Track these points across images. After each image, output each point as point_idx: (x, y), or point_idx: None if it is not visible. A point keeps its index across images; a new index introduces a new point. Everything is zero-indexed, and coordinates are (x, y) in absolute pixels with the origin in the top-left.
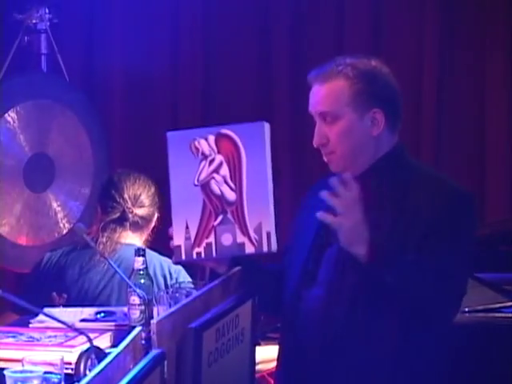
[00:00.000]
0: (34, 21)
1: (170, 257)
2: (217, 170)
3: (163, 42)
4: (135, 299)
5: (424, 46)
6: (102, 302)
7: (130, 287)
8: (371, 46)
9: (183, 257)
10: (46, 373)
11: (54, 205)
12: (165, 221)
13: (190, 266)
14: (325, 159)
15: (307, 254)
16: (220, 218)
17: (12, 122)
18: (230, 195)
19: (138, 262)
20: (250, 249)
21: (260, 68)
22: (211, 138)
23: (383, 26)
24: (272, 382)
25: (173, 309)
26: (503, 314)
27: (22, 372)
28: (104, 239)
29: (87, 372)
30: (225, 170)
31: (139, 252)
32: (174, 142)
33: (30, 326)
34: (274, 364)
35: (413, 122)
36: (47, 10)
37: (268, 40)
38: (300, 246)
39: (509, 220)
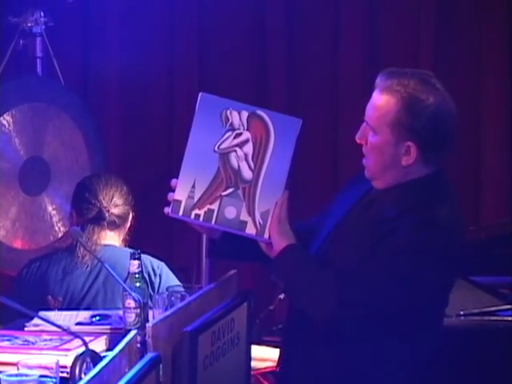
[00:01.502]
0: (29, 24)
1: (154, 256)
2: (240, 146)
3: (158, 45)
4: (131, 302)
5: (420, 48)
6: (88, 303)
7: (126, 290)
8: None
9: (180, 213)
10: (41, 376)
11: (50, 208)
12: (145, 222)
13: (184, 269)
14: None
15: (323, 238)
16: (230, 190)
17: (7, 126)
18: (247, 173)
19: (134, 266)
20: (251, 229)
21: (256, 69)
22: (244, 114)
23: (379, 18)
24: (265, 383)
25: (168, 312)
26: (499, 317)
27: (17, 375)
28: (84, 241)
29: (82, 375)
30: (248, 148)
31: (135, 255)
32: (205, 103)
33: (26, 329)
34: (266, 364)
35: None
36: (42, 14)
37: (264, 40)
38: (323, 225)
39: (504, 223)
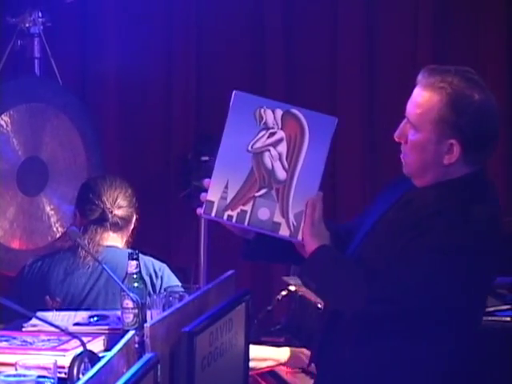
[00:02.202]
0: (27, 24)
1: (153, 256)
2: (274, 145)
3: (157, 45)
4: (129, 303)
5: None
6: (89, 304)
7: (124, 291)
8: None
9: (213, 213)
10: (39, 377)
11: (48, 208)
12: (143, 222)
13: (182, 269)
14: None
15: (361, 238)
16: (263, 191)
17: (5, 126)
18: (281, 174)
19: (132, 266)
20: (284, 231)
21: (254, 68)
22: (279, 112)
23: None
24: (263, 383)
25: (166, 313)
26: (497, 318)
27: (15, 376)
28: (86, 241)
29: (80, 376)
30: (283, 148)
31: (132, 256)
32: (239, 102)
33: (24, 329)
34: (266, 363)
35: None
36: (40, 14)
37: (262, 39)
38: (362, 225)
39: (504, 222)
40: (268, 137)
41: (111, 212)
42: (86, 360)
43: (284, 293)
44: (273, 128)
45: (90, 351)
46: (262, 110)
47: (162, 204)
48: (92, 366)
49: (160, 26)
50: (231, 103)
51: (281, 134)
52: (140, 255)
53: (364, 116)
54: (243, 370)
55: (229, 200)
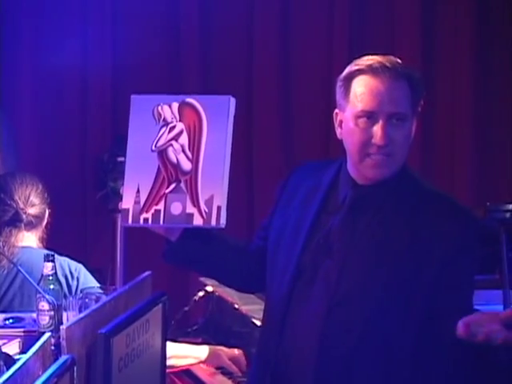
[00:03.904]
0: None
1: (69, 256)
2: (176, 138)
3: (73, 43)
4: (44, 305)
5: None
6: (5, 307)
7: (39, 293)
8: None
9: (130, 221)
10: None
11: None
12: (59, 223)
13: (98, 271)
14: (371, 161)
15: (301, 251)
16: (172, 186)
17: None
18: (186, 164)
19: (47, 268)
20: (198, 221)
21: (170, 70)
22: (175, 105)
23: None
24: (179, 383)
25: (82, 314)
26: None
27: None
28: (0, 244)
29: None
30: (184, 139)
31: (48, 257)
32: (138, 105)
33: None
34: (188, 361)
35: None
36: None
37: (177, 39)
38: (290, 236)
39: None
40: (169, 132)
41: (25, 212)
42: (1, 363)
43: (201, 293)
44: (172, 122)
45: (5, 354)
46: (160, 107)
47: (78, 204)
48: (7, 368)
49: (77, 23)
50: (131, 108)
51: (180, 126)
52: (56, 256)
53: (279, 114)
54: (160, 371)
55: (142, 203)
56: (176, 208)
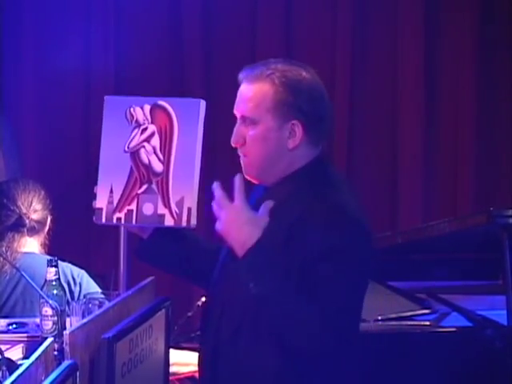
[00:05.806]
0: None
1: (71, 262)
2: (148, 140)
3: (74, 44)
4: (48, 310)
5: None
6: (7, 313)
7: (43, 298)
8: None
9: (103, 220)
10: None
11: None
12: (62, 228)
13: (101, 276)
14: (241, 162)
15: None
16: (145, 187)
17: None
18: (158, 166)
19: (51, 273)
20: (169, 221)
21: (173, 71)
22: (147, 108)
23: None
24: None
25: (86, 320)
26: (415, 322)
27: None
28: (3, 249)
29: None
30: (156, 141)
31: (52, 263)
32: (111, 106)
33: None
34: (189, 368)
35: None
36: None
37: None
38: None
39: (420, 229)
40: (141, 133)
41: (28, 217)
42: (4, 368)
43: (204, 299)
44: (144, 124)
45: (8, 359)
46: (132, 109)
47: (81, 210)
48: (10, 373)
49: (80, 23)
50: (104, 109)
51: (152, 128)
52: (58, 262)
53: None
54: (163, 377)
55: (115, 203)
56: (148, 208)
